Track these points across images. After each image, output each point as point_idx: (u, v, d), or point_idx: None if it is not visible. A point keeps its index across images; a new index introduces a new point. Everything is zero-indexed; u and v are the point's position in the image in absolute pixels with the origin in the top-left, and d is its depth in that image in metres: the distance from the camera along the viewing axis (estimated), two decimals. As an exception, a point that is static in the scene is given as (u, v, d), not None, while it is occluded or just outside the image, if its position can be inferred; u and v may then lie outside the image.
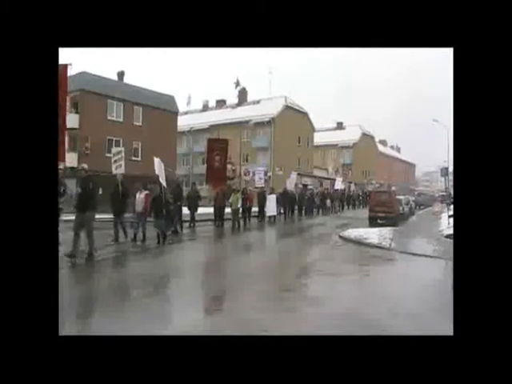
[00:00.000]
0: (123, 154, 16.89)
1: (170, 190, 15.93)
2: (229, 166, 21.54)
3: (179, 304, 7.14)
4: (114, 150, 17.58)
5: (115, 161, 16.59)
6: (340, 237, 17.21)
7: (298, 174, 48.06)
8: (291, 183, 30.05)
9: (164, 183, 14.40)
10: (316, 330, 5.39)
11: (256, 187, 27.24)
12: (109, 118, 35.92)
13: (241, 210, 21.46)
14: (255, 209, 24.51)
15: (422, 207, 41.70)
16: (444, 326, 4.67)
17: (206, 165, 20.12)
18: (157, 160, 15.11)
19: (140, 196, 14.19)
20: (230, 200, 20.56)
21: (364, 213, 29.83)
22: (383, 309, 6.96)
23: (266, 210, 24.72)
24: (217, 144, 19.95)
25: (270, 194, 25.88)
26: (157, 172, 14.66)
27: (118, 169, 16.10)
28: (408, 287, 8.93)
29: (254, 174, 28.11)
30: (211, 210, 20.85)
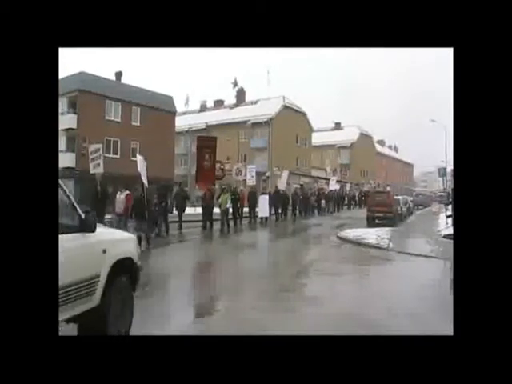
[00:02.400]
0: (102, 151, 15.74)
1: (155, 190, 15.39)
2: (217, 165, 20.71)
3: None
4: (92, 147, 16.11)
5: (93, 159, 15.31)
6: (338, 237, 17.23)
7: (296, 174, 48.12)
8: (282, 183, 29.41)
9: (146, 183, 13.88)
10: (317, 329, 5.39)
11: (248, 186, 26.05)
12: (107, 118, 35.90)
13: (230, 210, 20.57)
14: (246, 209, 23.58)
15: (420, 207, 41.79)
16: (443, 325, 4.67)
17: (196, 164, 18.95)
18: (140, 158, 14.37)
19: (120, 196, 13.58)
20: (219, 200, 19.66)
21: (360, 213, 29.87)
22: (382, 309, 6.97)
23: (258, 210, 23.73)
24: (206, 142, 19.30)
25: (263, 193, 25.09)
26: (139, 170, 13.98)
27: (96, 168, 14.96)
28: (406, 287, 8.95)
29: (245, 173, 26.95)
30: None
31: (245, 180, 26.64)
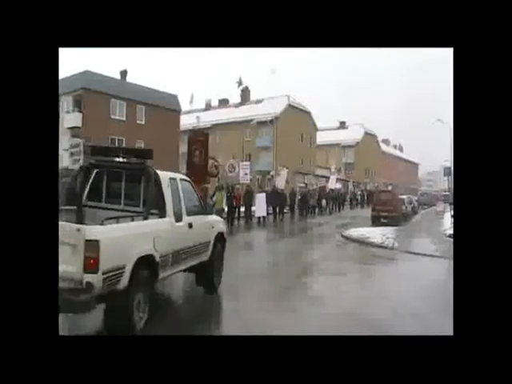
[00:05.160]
0: (82, 146, 14.29)
1: None
2: (211, 162, 19.57)
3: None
4: (72, 141, 14.79)
5: (72, 153, 14.13)
6: (342, 236, 17.21)
7: (300, 173, 48.00)
8: (281, 181, 28.28)
9: None
10: (321, 328, 5.39)
11: (244, 184, 24.10)
12: (112, 116, 35.93)
13: (226, 210, 19.31)
14: (242, 208, 22.20)
15: (425, 207, 41.69)
16: (447, 326, 4.67)
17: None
18: None
19: None
20: (214, 199, 18.29)
21: (361, 213, 29.61)
22: (387, 308, 6.96)
23: (254, 209, 22.50)
24: (197, 137, 18.30)
25: (260, 192, 24.12)
26: None
27: (76, 163, 13.52)
28: (411, 287, 8.92)
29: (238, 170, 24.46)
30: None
31: (234, 178, 24.81)
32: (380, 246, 14.59)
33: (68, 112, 34.23)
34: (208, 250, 7.26)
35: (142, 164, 6.10)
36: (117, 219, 5.15)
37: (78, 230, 4.35)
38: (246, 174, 24.49)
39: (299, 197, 29.54)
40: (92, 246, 4.29)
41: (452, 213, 21.19)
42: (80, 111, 34.33)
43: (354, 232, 17.82)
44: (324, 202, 33.30)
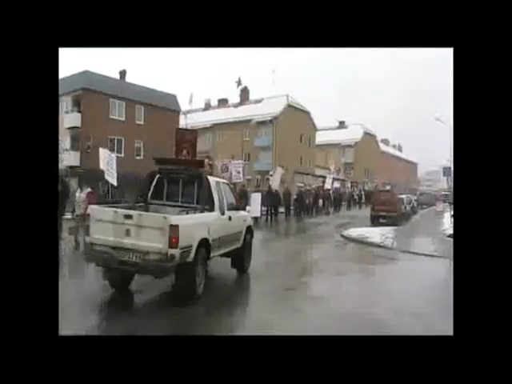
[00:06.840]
0: (62, 145, 13.81)
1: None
2: (206, 162, 18.80)
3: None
4: None
5: None
6: (342, 236, 17.20)
7: (299, 173, 47.95)
8: (276, 181, 27.00)
9: (113, 181, 12.21)
10: (322, 327, 5.39)
11: (240, 184, 23.33)
12: (111, 116, 35.85)
13: None
14: None
15: (424, 206, 41.71)
16: (447, 325, 4.67)
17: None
18: (103, 151, 12.72)
19: (81, 195, 11.63)
20: None
21: (358, 212, 29.44)
22: (387, 308, 6.96)
23: (249, 210, 20.43)
24: (184, 135, 17.70)
25: (255, 192, 23.47)
26: (102, 166, 12.26)
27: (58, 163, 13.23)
28: (411, 286, 8.92)
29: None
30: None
31: (227, 178, 23.70)
32: (379, 246, 14.60)
33: (67, 112, 34.21)
34: (241, 239, 9.00)
35: (197, 171, 8.12)
36: (186, 212, 7.01)
37: (165, 218, 6.14)
38: (239, 173, 23.16)
39: (295, 196, 28.84)
40: (174, 229, 6.03)
41: (451, 213, 21.18)
42: (79, 111, 34.28)
43: (354, 232, 17.81)
44: (321, 201, 32.83)
